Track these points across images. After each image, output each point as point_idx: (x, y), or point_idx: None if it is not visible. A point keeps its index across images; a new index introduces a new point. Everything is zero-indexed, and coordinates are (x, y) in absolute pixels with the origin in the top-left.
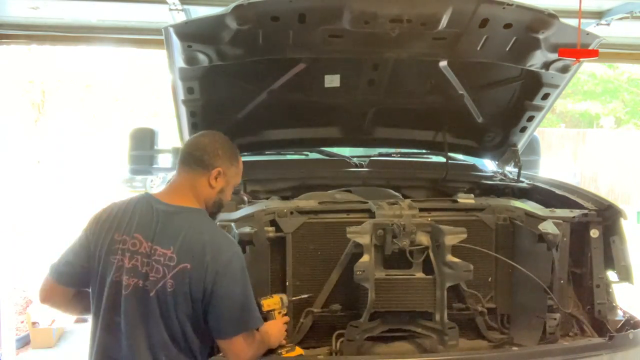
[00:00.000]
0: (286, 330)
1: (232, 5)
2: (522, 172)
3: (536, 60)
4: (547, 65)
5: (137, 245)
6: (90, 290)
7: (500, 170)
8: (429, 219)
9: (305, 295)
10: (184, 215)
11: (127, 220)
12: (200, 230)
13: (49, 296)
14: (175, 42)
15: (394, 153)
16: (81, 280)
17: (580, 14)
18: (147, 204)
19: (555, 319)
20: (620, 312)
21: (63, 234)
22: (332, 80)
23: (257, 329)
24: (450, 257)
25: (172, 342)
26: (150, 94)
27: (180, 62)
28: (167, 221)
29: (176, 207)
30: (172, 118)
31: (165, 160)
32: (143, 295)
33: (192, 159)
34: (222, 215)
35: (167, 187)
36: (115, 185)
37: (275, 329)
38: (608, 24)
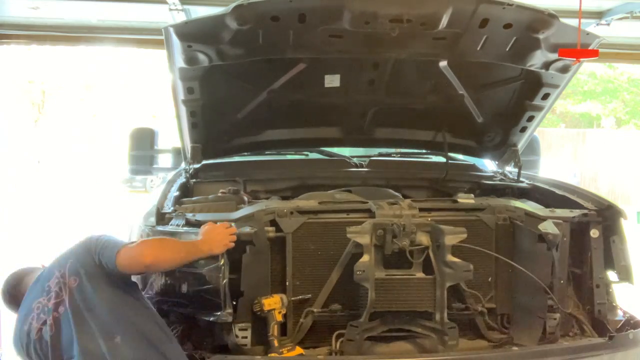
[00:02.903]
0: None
1: (232, 5)
2: (522, 172)
3: (536, 60)
4: (547, 65)
5: (42, 303)
6: None
7: (500, 170)
8: (429, 219)
9: (304, 296)
10: (46, 267)
11: (24, 313)
12: (60, 252)
13: None
14: (175, 42)
15: (394, 153)
16: None
17: (580, 14)
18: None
19: (555, 319)
20: (620, 312)
21: (63, 234)
22: (332, 80)
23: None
24: (450, 257)
25: (110, 317)
26: (150, 94)
27: (180, 62)
28: (40, 277)
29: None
30: (172, 118)
31: (165, 160)
32: (66, 318)
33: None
34: (223, 215)
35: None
36: (115, 185)
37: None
38: (608, 24)
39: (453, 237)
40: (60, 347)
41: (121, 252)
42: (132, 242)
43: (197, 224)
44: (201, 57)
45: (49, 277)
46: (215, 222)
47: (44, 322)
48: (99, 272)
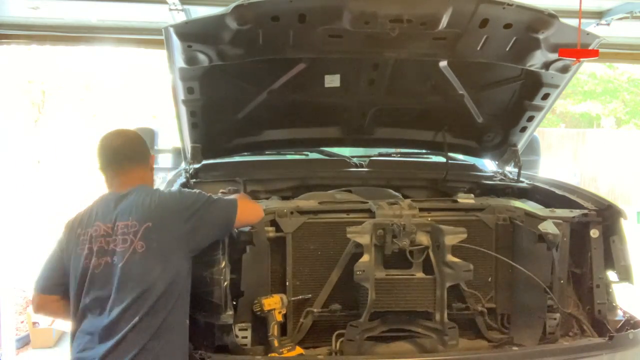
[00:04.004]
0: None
1: (232, 5)
2: (522, 172)
3: (536, 60)
4: (547, 65)
5: (98, 231)
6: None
7: (500, 170)
8: (429, 219)
9: (304, 296)
10: (134, 193)
11: (88, 216)
12: (151, 195)
13: (39, 307)
14: (176, 42)
15: (394, 153)
16: (62, 285)
17: (580, 14)
18: (104, 198)
19: (555, 319)
20: (620, 312)
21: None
22: (332, 80)
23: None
24: (450, 257)
25: (150, 305)
26: (150, 94)
27: (180, 62)
28: (122, 202)
29: (128, 190)
30: (172, 118)
31: (165, 160)
32: (113, 270)
33: (130, 157)
34: None
35: (116, 185)
36: None
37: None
38: (608, 24)
39: (453, 237)
40: (89, 287)
41: (240, 205)
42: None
43: None
44: (201, 57)
45: (124, 214)
46: None
47: (91, 254)
48: (172, 253)
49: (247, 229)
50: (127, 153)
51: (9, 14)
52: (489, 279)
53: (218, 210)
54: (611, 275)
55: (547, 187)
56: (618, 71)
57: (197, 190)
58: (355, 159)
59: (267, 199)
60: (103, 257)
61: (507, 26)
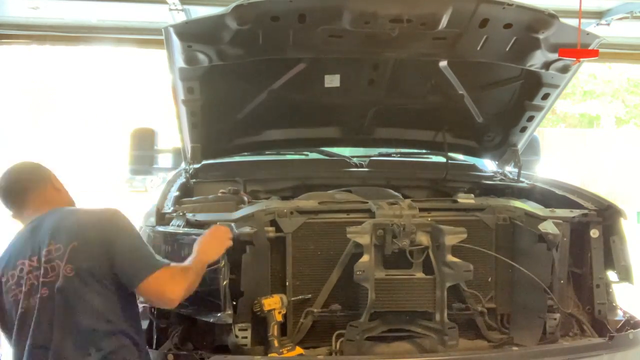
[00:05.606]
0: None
1: (232, 5)
2: (522, 172)
3: (536, 60)
4: (547, 65)
5: (24, 269)
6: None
7: (500, 170)
8: (429, 219)
9: (304, 296)
10: (48, 217)
11: (7, 259)
12: (66, 215)
13: None
14: (175, 42)
15: (394, 153)
16: None
17: (580, 14)
18: (18, 235)
19: (555, 319)
20: (620, 312)
21: None
22: (332, 80)
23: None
24: (450, 257)
25: (93, 328)
26: (150, 94)
27: (180, 62)
28: (37, 231)
29: (38, 217)
30: (172, 118)
31: (165, 160)
32: (49, 303)
33: (25, 183)
34: (223, 215)
35: (26, 218)
36: (115, 185)
37: (206, 243)
38: (608, 24)
39: (453, 237)
40: (29, 330)
41: (150, 281)
42: (168, 270)
43: (197, 224)
44: (201, 57)
45: (44, 241)
46: (214, 222)
47: (26, 294)
48: (102, 272)
49: (247, 229)
50: (17, 183)
51: (9, 14)
52: (489, 279)
53: (132, 252)
54: (611, 275)
55: (547, 187)
56: (617, 71)
57: (114, 208)
58: (355, 159)
59: (267, 199)
60: (35, 295)
61: (507, 26)
